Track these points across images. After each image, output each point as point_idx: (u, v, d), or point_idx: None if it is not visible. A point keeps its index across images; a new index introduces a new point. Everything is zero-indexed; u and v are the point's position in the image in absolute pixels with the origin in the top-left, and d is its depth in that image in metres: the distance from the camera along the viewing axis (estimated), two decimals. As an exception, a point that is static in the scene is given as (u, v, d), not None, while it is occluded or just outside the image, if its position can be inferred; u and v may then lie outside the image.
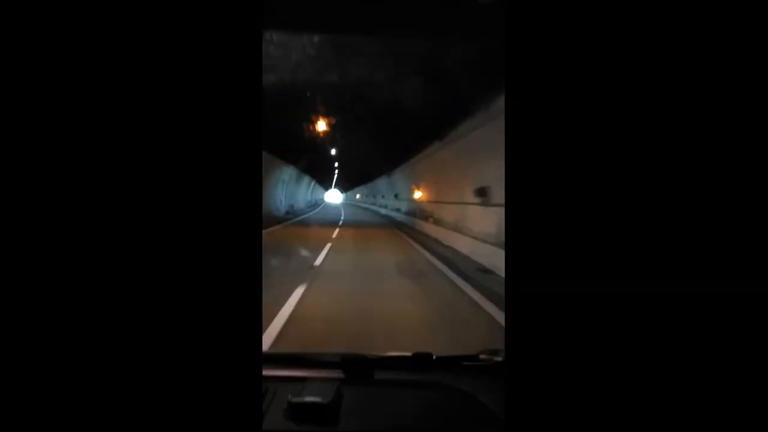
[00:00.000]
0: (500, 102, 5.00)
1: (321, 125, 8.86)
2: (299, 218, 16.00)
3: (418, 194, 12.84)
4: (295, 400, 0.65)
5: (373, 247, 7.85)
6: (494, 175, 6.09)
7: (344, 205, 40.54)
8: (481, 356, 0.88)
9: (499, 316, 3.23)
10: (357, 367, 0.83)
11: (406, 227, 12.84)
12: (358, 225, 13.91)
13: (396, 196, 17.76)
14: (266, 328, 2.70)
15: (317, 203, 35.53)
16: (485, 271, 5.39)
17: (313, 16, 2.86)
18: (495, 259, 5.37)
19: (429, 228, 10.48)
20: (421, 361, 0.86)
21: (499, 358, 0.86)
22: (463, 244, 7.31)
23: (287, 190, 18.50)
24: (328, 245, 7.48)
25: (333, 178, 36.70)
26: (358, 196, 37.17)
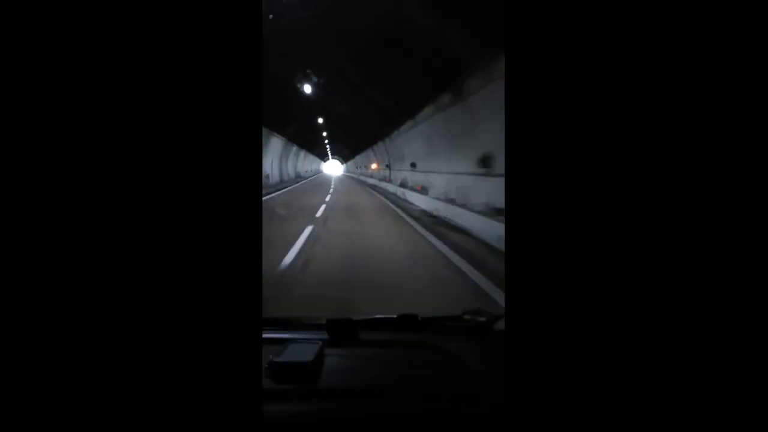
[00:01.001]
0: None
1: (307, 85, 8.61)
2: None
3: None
4: (276, 359, 0.66)
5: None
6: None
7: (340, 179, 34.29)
8: (465, 317, 0.93)
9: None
10: (341, 329, 0.84)
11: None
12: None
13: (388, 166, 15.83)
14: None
15: (300, 176, 29.01)
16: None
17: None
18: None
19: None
20: (405, 322, 0.90)
21: (483, 318, 0.91)
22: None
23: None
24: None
25: (327, 146, 30.74)
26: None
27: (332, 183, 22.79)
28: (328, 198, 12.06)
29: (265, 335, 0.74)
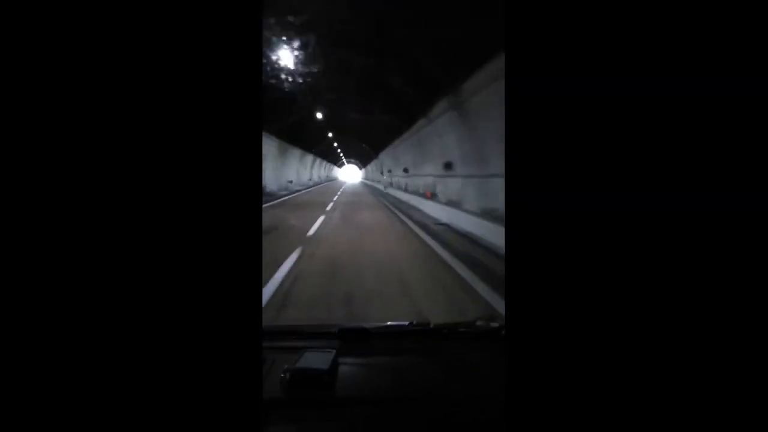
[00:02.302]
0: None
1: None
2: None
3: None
4: (292, 368, 0.66)
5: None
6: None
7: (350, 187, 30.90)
8: (478, 322, 0.91)
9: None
10: (354, 337, 0.84)
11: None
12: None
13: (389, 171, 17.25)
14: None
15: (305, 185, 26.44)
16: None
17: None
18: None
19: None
20: (418, 328, 0.90)
21: (496, 324, 0.89)
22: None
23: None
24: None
25: (341, 152, 27.43)
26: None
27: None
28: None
29: (279, 344, 0.81)
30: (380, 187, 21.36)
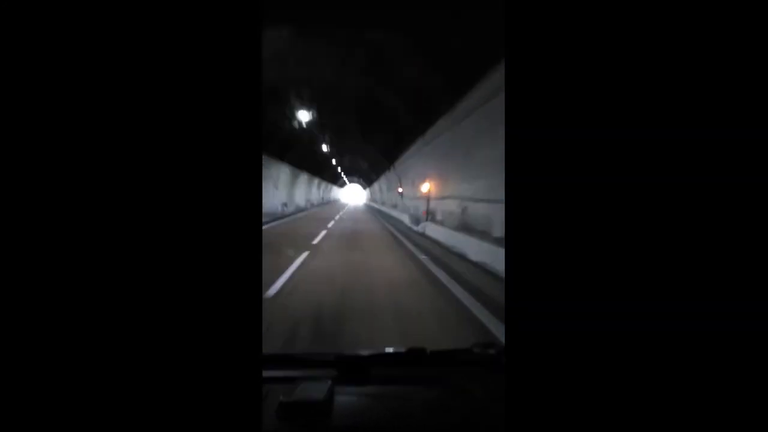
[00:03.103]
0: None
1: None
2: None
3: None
4: (287, 399, 0.64)
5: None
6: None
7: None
8: (475, 350, 0.88)
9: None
10: (350, 365, 0.81)
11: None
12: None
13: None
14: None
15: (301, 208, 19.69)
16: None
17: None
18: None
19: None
20: (414, 356, 0.85)
21: (493, 351, 0.86)
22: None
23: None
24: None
25: (340, 170, 21.66)
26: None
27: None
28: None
29: (272, 374, 0.75)
30: (398, 217, 14.37)
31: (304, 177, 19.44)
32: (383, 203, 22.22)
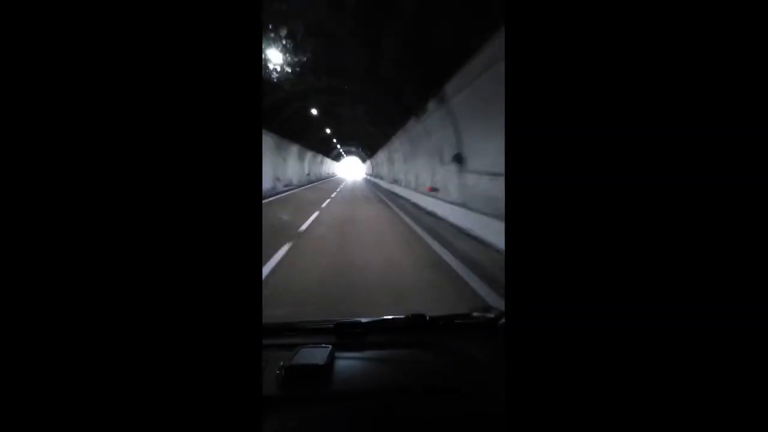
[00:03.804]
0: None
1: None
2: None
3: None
4: (288, 364, 0.66)
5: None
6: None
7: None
8: (474, 314, 0.90)
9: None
10: (350, 332, 0.83)
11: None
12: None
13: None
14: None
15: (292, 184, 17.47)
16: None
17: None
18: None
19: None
20: (413, 321, 0.87)
21: (491, 315, 0.88)
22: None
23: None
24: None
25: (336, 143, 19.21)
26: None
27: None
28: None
29: (274, 341, 0.78)
30: (403, 192, 12.19)
31: (293, 149, 17.04)
32: (382, 178, 20.10)
